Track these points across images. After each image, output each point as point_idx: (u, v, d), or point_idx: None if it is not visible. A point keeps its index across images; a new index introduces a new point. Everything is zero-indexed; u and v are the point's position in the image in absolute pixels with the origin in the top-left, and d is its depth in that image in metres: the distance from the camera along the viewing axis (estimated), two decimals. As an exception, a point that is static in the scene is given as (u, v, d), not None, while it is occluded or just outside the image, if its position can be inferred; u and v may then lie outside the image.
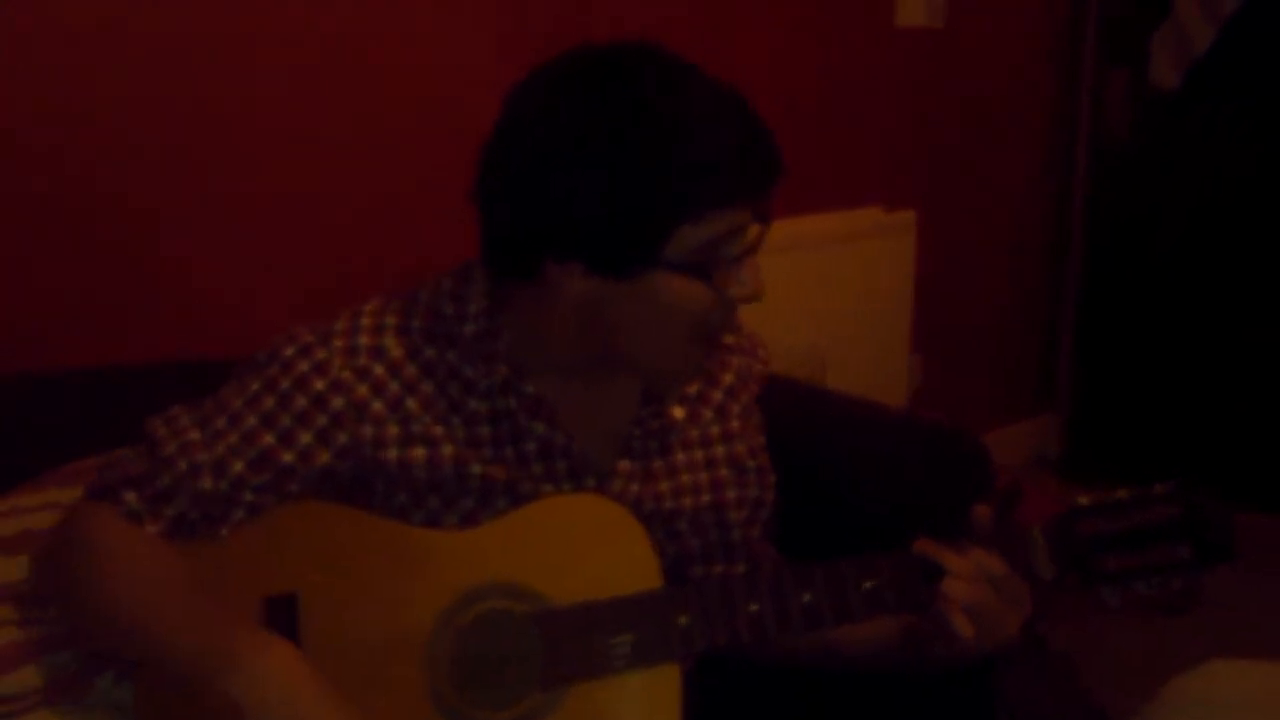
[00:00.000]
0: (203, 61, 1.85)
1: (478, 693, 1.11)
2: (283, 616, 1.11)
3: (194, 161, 1.87)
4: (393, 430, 1.16)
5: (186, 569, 1.11)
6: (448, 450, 1.17)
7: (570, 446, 1.20)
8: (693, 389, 1.28)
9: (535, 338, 1.18)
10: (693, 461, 1.27)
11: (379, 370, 1.17)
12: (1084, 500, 1.15)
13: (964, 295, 3.32)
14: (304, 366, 1.16)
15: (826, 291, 2.68)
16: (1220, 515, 1.13)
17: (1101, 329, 3.50)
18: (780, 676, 1.35)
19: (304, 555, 1.14)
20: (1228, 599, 2.42)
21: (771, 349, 1.38)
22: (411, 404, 1.17)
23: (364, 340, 1.18)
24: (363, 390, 1.16)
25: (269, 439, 1.15)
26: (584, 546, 1.15)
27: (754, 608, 1.13)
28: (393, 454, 1.16)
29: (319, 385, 1.15)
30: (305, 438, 1.15)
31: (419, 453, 1.16)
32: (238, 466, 1.14)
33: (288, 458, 1.15)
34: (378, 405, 1.16)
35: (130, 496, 1.14)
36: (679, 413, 1.26)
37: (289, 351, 1.17)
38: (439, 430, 1.17)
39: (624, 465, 1.23)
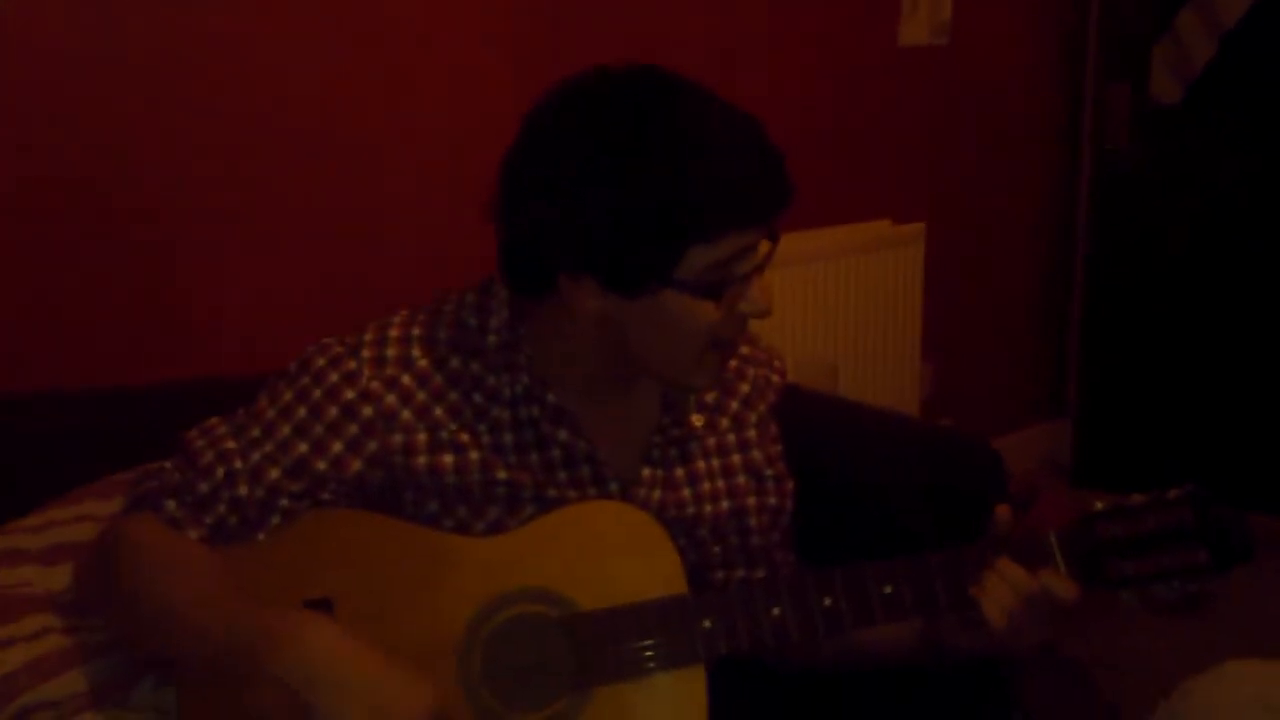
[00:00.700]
0: (219, 87, 1.88)
1: (511, 694, 1.13)
2: None
3: (208, 181, 1.90)
4: (421, 438, 1.19)
5: (226, 568, 1.13)
6: (474, 456, 1.19)
7: (594, 454, 1.22)
8: (710, 398, 1.30)
9: (555, 348, 1.20)
10: (712, 469, 1.30)
11: (406, 380, 1.19)
12: (1099, 505, 1.17)
13: (973, 304, 3.35)
14: (334, 377, 1.19)
15: (839, 303, 2.70)
16: (1234, 519, 1.15)
17: (1109, 335, 3.52)
18: (802, 679, 1.37)
19: (338, 561, 1.16)
20: (1241, 601, 2.43)
21: (785, 360, 1.40)
22: (439, 412, 1.19)
23: (391, 351, 1.20)
24: (391, 399, 1.19)
25: (303, 447, 1.17)
26: (610, 552, 1.17)
27: (776, 611, 1.15)
28: (422, 460, 1.19)
29: (349, 395, 1.18)
30: (337, 446, 1.18)
31: (447, 459, 1.19)
32: (273, 473, 1.17)
33: (321, 465, 1.17)
34: (406, 414, 1.19)
35: (171, 504, 1.16)
36: (698, 420, 1.29)
37: (320, 362, 1.20)
38: (465, 437, 1.19)
39: (646, 473, 1.25)
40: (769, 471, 1.33)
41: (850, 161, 2.89)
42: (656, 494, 1.25)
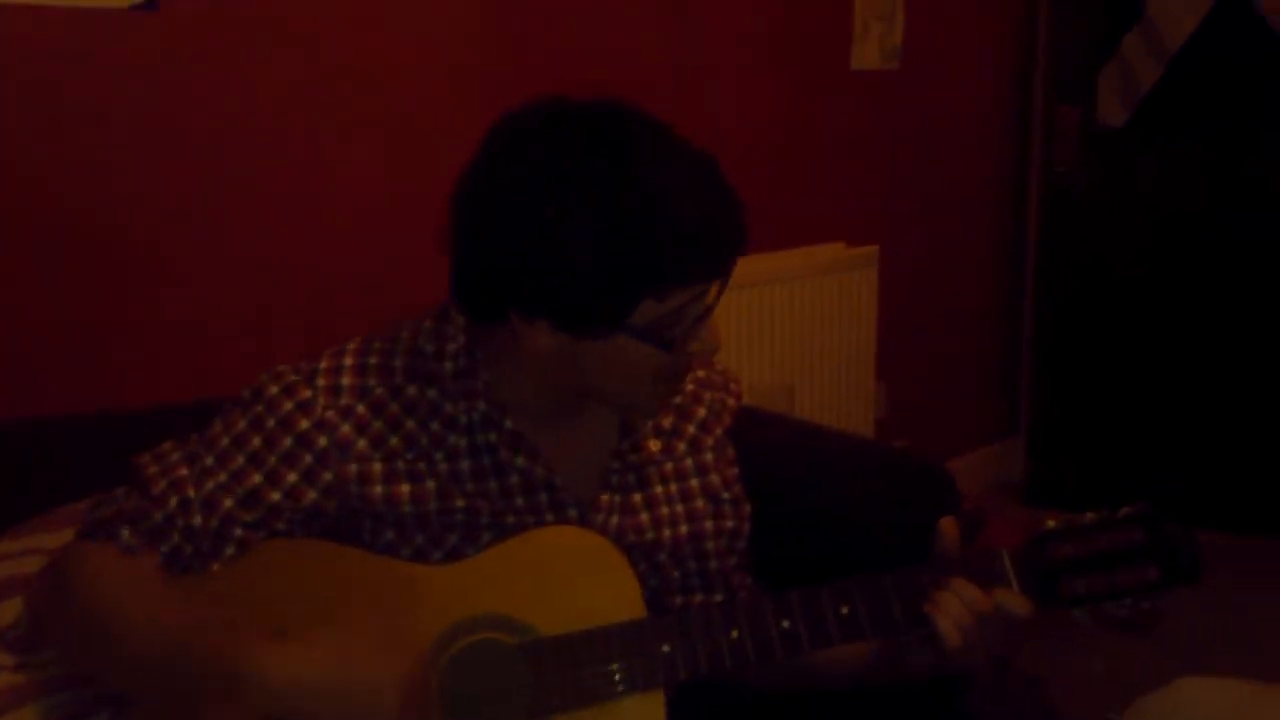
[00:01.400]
0: (174, 119, 1.88)
1: None
2: None
3: (162, 208, 1.89)
4: (377, 467, 1.18)
5: (185, 598, 1.12)
6: (431, 485, 1.19)
7: (552, 480, 1.22)
8: (666, 422, 1.31)
9: (511, 375, 1.20)
10: (670, 494, 1.30)
11: (362, 409, 1.19)
12: (1052, 524, 1.18)
13: (926, 325, 3.39)
14: (289, 405, 1.18)
15: (793, 325, 2.73)
16: (1184, 537, 1.17)
17: (1060, 354, 3.57)
18: (763, 699, 1.37)
19: (294, 592, 1.16)
20: (1191, 618, 2.46)
21: (741, 381, 1.41)
22: (394, 441, 1.19)
23: (347, 380, 1.20)
24: (346, 429, 1.18)
25: (257, 478, 1.16)
26: (569, 578, 1.17)
27: (734, 634, 1.15)
28: (378, 490, 1.18)
29: (304, 424, 1.17)
30: (292, 477, 1.17)
31: (404, 488, 1.18)
32: (227, 503, 1.16)
33: (275, 496, 1.16)
34: (362, 443, 1.18)
35: (125, 532, 1.15)
36: (654, 445, 1.29)
37: (273, 390, 1.19)
38: (422, 466, 1.19)
39: (605, 498, 1.26)
40: (726, 495, 1.33)
41: (804, 184, 2.92)
42: (615, 519, 1.26)
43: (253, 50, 1.95)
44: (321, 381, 1.19)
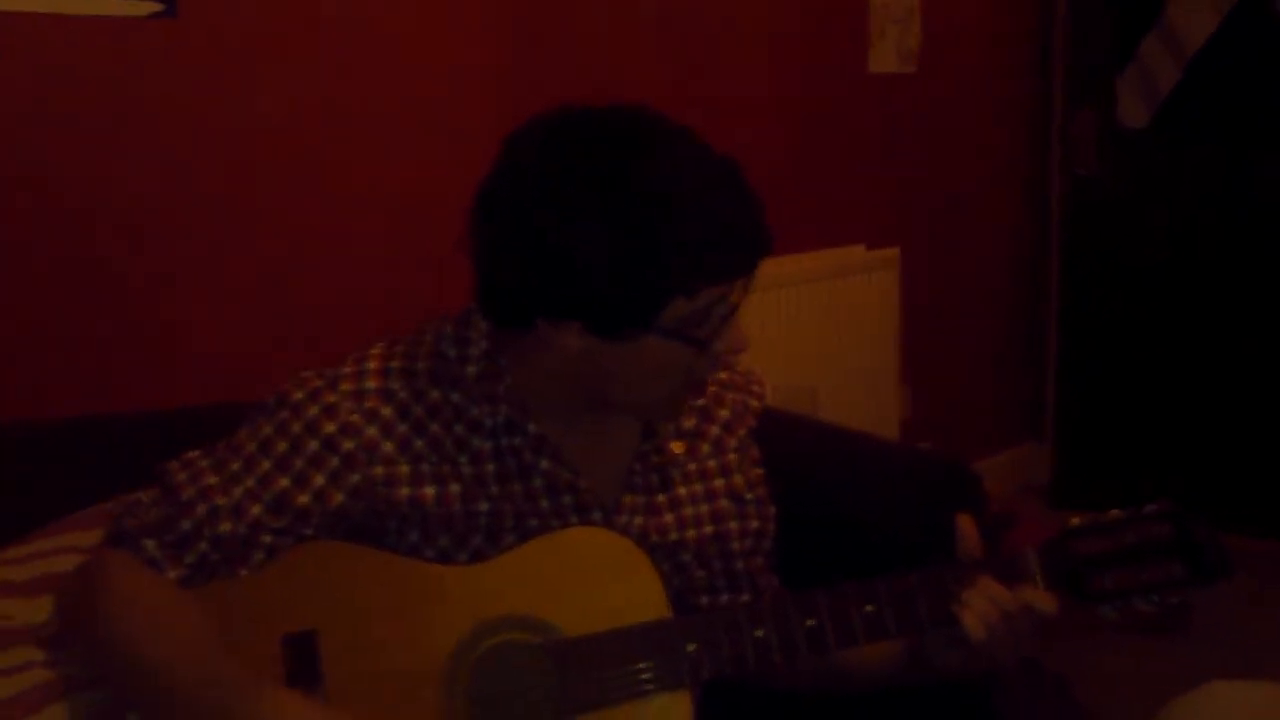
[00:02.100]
0: (188, 116, 1.89)
1: None
2: (302, 654, 1.13)
3: (184, 207, 1.91)
4: (403, 470, 1.19)
5: (206, 616, 1.12)
6: (456, 488, 1.19)
7: (575, 482, 1.23)
8: (689, 423, 1.31)
9: (535, 379, 1.21)
10: (694, 495, 1.30)
11: (387, 412, 1.20)
12: (1077, 521, 1.19)
13: (949, 327, 3.38)
14: (314, 410, 1.19)
15: (816, 328, 2.73)
16: (1211, 534, 1.17)
17: (1085, 357, 3.56)
18: (788, 700, 1.37)
19: (321, 593, 1.16)
20: (1217, 621, 2.45)
21: (765, 384, 1.41)
22: (419, 444, 1.20)
23: (371, 384, 1.20)
24: (372, 432, 1.19)
25: (284, 482, 1.17)
26: (593, 579, 1.17)
27: (760, 634, 1.15)
28: (404, 493, 1.19)
29: (329, 428, 1.18)
30: (319, 480, 1.17)
31: (429, 491, 1.19)
32: (255, 510, 1.16)
33: (303, 500, 1.17)
34: (388, 446, 1.19)
35: (150, 544, 1.15)
36: (678, 448, 1.29)
37: (298, 396, 1.20)
38: (447, 469, 1.20)
39: (628, 499, 1.26)
40: (750, 495, 1.34)
41: (824, 187, 2.92)
42: (639, 520, 1.26)
43: (269, 56, 1.97)
44: (346, 386, 1.20)
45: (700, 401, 1.32)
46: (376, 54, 2.10)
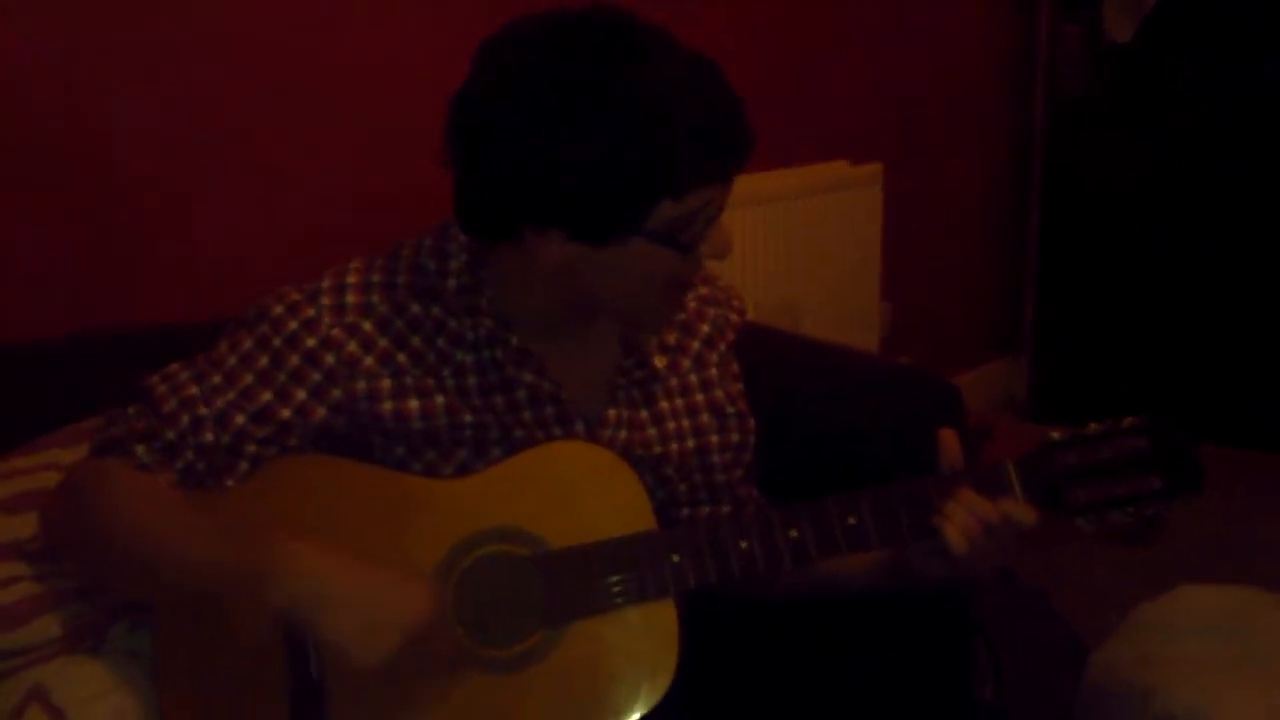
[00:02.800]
0: (183, 33, 1.85)
1: (484, 632, 1.14)
2: None
3: (170, 125, 1.87)
4: (385, 384, 1.19)
5: (204, 508, 1.13)
6: (439, 401, 1.20)
7: (558, 394, 1.23)
8: (671, 339, 1.31)
9: (516, 291, 1.20)
10: (675, 409, 1.31)
11: (367, 326, 1.19)
12: (1056, 435, 1.19)
13: (931, 244, 3.38)
14: (294, 325, 1.18)
15: (798, 243, 2.72)
16: (1188, 447, 1.18)
17: (1065, 273, 3.57)
18: (771, 609, 1.39)
19: (307, 506, 1.17)
20: (1196, 531, 2.49)
21: (746, 300, 1.41)
22: (401, 358, 1.19)
23: (351, 298, 1.20)
24: (353, 346, 1.18)
25: (267, 395, 1.17)
26: (579, 491, 1.18)
27: (744, 545, 1.17)
28: (387, 406, 1.19)
29: (310, 342, 1.18)
30: (301, 394, 1.18)
31: (413, 404, 1.19)
32: (239, 420, 1.17)
33: (286, 413, 1.17)
34: (369, 360, 1.19)
35: (140, 449, 1.16)
36: (660, 362, 1.30)
37: (278, 310, 1.19)
38: (430, 382, 1.20)
39: (612, 413, 1.26)
40: (731, 409, 1.34)
41: (806, 102, 2.89)
42: (622, 434, 1.27)
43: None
44: (325, 300, 1.19)
45: (681, 317, 1.32)
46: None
